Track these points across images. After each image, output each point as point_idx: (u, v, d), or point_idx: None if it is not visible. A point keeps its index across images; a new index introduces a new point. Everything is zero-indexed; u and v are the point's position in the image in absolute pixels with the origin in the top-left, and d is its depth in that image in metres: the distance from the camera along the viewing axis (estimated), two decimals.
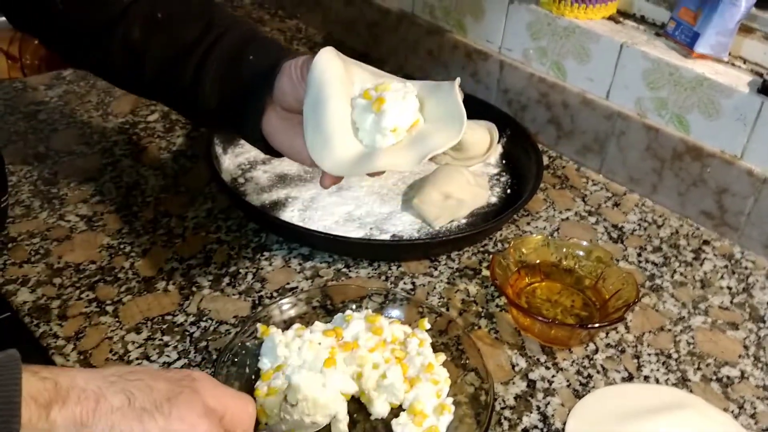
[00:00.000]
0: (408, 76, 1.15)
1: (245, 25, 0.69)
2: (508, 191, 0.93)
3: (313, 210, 0.86)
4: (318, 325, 0.65)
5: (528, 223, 0.89)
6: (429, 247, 0.81)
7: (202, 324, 0.70)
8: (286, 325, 0.68)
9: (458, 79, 0.62)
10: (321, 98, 0.59)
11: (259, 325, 0.65)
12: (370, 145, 0.59)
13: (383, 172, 0.61)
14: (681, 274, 0.83)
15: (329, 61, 0.60)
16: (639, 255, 0.85)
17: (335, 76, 0.60)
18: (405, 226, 0.86)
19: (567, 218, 0.90)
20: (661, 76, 0.89)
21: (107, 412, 0.43)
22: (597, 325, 0.69)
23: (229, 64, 0.65)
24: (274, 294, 0.75)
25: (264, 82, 0.63)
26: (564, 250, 0.78)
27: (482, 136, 0.98)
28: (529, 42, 1.01)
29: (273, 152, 0.68)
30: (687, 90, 0.87)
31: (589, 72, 0.96)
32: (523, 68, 1.03)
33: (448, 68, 1.13)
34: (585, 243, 0.78)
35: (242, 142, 0.97)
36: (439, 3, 1.10)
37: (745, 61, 0.90)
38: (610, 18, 0.97)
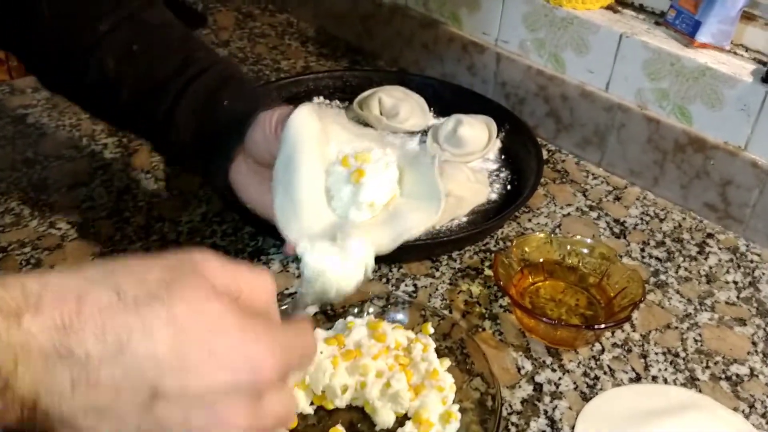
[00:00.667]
0: (403, 70, 1.13)
1: (224, 65, 0.66)
2: (508, 187, 0.92)
3: None
4: (319, 333, 0.64)
5: (529, 220, 0.87)
6: (430, 248, 0.79)
7: None
8: None
9: (438, 156, 0.58)
10: (294, 160, 0.55)
11: None
12: (343, 216, 0.56)
13: None
14: (685, 269, 0.82)
15: (306, 120, 0.56)
16: (642, 250, 0.84)
17: (311, 137, 0.56)
18: None
19: (568, 214, 0.89)
20: (662, 66, 0.87)
21: (94, 312, 0.33)
22: (603, 325, 0.68)
23: (204, 106, 0.62)
24: None
25: (236, 131, 0.60)
26: (567, 247, 0.77)
27: (480, 131, 0.97)
28: (526, 33, 0.99)
29: (234, 206, 0.64)
30: (689, 80, 0.86)
31: (588, 63, 0.94)
32: (520, 60, 1.01)
33: (444, 61, 1.11)
34: (588, 240, 0.76)
35: None
36: None
37: (747, 50, 0.88)
38: (609, 7, 0.95)
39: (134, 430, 0.33)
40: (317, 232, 0.54)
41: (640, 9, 0.96)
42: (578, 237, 0.78)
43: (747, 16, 0.87)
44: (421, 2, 1.11)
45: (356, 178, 0.55)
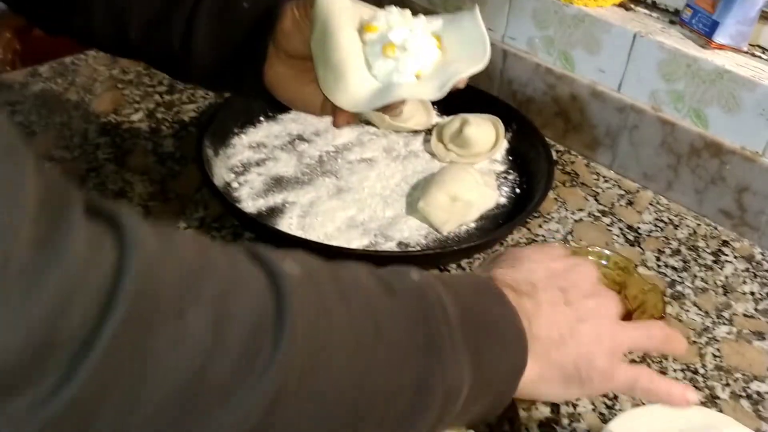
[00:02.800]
0: None
1: None
2: (517, 190, 0.89)
3: (313, 216, 0.81)
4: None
5: (540, 226, 0.84)
6: (439, 257, 0.76)
7: None
8: None
9: (477, 7, 0.60)
10: (329, 31, 0.56)
11: None
12: (386, 82, 0.57)
13: (402, 106, 0.59)
14: (702, 279, 0.79)
15: None
16: (658, 259, 0.81)
17: (342, 8, 0.57)
18: (411, 231, 0.81)
19: (580, 219, 0.86)
20: (678, 67, 0.84)
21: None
22: None
23: (222, 13, 0.59)
24: None
25: (263, 27, 0.58)
26: (582, 254, 0.74)
27: (487, 131, 0.93)
28: (535, 31, 0.96)
29: (276, 105, 0.64)
30: (705, 83, 0.83)
31: (599, 63, 0.91)
32: (528, 58, 0.98)
33: None
34: (606, 251, 0.73)
35: (234, 142, 0.91)
36: None
37: (765, 51, 0.85)
38: (621, 5, 0.92)
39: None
40: (363, 96, 0.56)
41: (654, 6, 0.92)
42: (593, 247, 0.75)
43: (766, 16, 0.84)
44: None
45: (388, 52, 0.56)
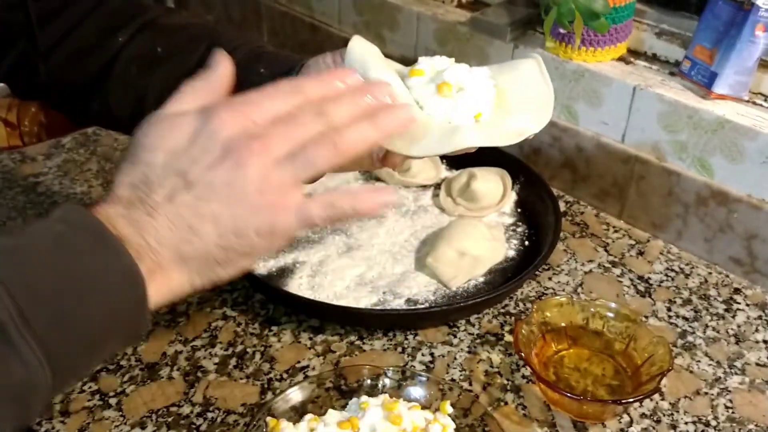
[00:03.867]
0: None
1: (252, 42, 0.64)
2: (526, 243, 0.89)
3: (323, 275, 0.83)
4: (332, 415, 0.61)
5: (549, 278, 0.85)
6: (446, 314, 0.77)
7: (209, 415, 0.66)
8: (298, 412, 0.63)
9: (539, 57, 0.57)
10: (369, 76, 0.51)
11: (268, 419, 0.61)
12: (445, 121, 0.53)
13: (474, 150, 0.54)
14: (713, 328, 0.78)
15: (365, 42, 0.55)
16: (668, 309, 0.81)
17: (376, 53, 0.55)
18: (420, 287, 0.82)
19: (590, 271, 0.86)
20: (679, 118, 0.85)
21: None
22: (631, 399, 0.65)
23: (241, 85, 0.60)
24: (284, 375, 0.71)
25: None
26: (591, 310, 0.74)
27: (494, 185, 0.95)
28: None
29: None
30: (707, 133, 0.83)
31: (602, 115, 0.93)
32: None
33: None
34: (612, 304, 0.73)
35: None
36: (442, 49, 1.07)
37: (766, 98, 0.86)
38: (621, 58, 0.94)
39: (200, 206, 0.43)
40: (427, 140, 0.51)
41: (654, 59, 0.94)
42: (601, 300, 0.75)
43: (765, 65, 0.85)
44: (430, 54, 1.09)
45: (444, 91, 0.52)
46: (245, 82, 0.59)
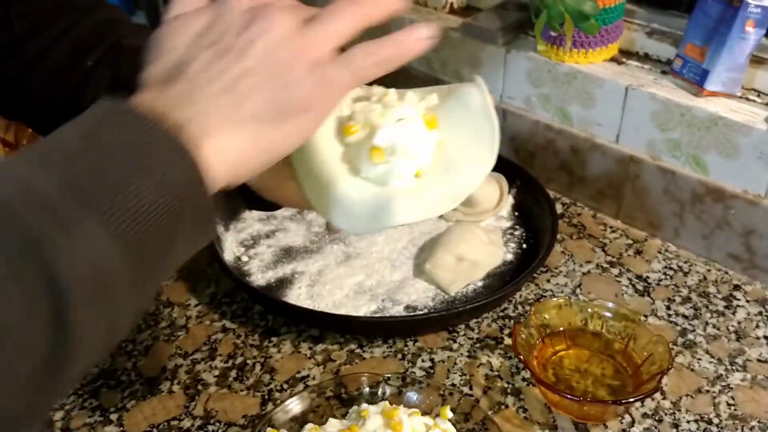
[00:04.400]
0: None
1: None
2: (524, 246, 0.89)
3: (321, 285, 0.83)
4: (332, 424, 0.61)
5: (548, 281, 0.85)
6: (445, 319, 0.77)
7: (210, 428, 0.66)
8: (299, 423, 0.63)
9: (479, 78, 0.48)
10: None
11: (269, 430, 0.61)
12: (383, 184, 0.46)
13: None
14: (714, 326, 0.78)
15: None
16: (668, 308, 0.81)
17: None
18: (419, 294, 0.82)
19: (588, 272, 0.86)
20: (672, 117, 0.85)
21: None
22: (631, 399, 0.64)
23: None
24: (284, 386, 0.71)
25: None
26: (589, 310, 0.74)
27: (492, 189, 0.95)
28: (531, 89, 0.98)
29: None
30: (701, 130, 0.84)
31: (595, 116, 0.93)
32: (527, 116, 1.00)
33: None
34: (609, 304, 0.73)
35: (244, 216, 0.94)
36: (436, 55, 1.08)
37: (759, 94, 0.86)
38: (613, 59, 0.94)
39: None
40: (360, 212, 0.46)
41: (646, 58, 0.94)
42: (598, 300, 0.75)
43: (757, 60, 0.86)
44: (424, 62, 1.10)
45: (376, 158, 0.46)
46: None
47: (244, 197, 0.58)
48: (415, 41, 0.44)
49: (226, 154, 0.40)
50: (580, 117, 0.94)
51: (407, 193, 0.46)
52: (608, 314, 0.73)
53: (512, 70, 0.99)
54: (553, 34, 0.92)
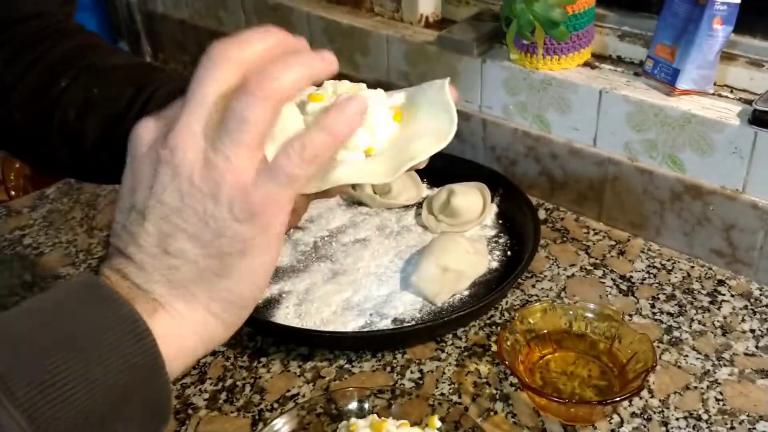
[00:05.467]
0: None
1: (180, 80, 0.62)
2: (509, 253, 0.90)
3: (309, 303, 0.83)
4: None
5: (533, 286, 0.85)
6: (432, 330, 0.78)
7: None
8: None
9: (447, 78, 0.50)
10: None
11: None
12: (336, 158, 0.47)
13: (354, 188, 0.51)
14: (699, 322, 0.79)
15: None
16: (652, 306, 0.81)
17: None
18: (406, 307, 0.82)
19: (572, 275, 0.87)
20: (646, 117, 0.86)
21: None
22: (617, 398, 0.65)
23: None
24: (275, 405, 0.71)
25: None
26: (572, 313, 0.74)
27: (474, 199, 0.96)
28: (508, 98, 0.99)
29: None
30: (675, 129, 0.85)
31: (572, 121, 0.94)
32: (506, 124, 1.01)
33: None
34: (591, 305, 0.74)
35: None
36: (413, 69, 1.09)
37: (732, 90, 0.87)
38: (586, 64, 0.95)
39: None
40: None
41: (619, 61, 0.95)
42: (581, 302, 0.75)
43: (728, 57, 0.87)
44: (402, 77, 1.11)
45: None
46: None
47: None
48: (351, 118, 0.40)
49: (186, 322, 0.39)
50: (558, 123, 0.95)
51: (353, 163, 0.46)
52: (591, 315, 0.73)
53: (489, 79, 1.00)
54: (525, 42, 0.93)
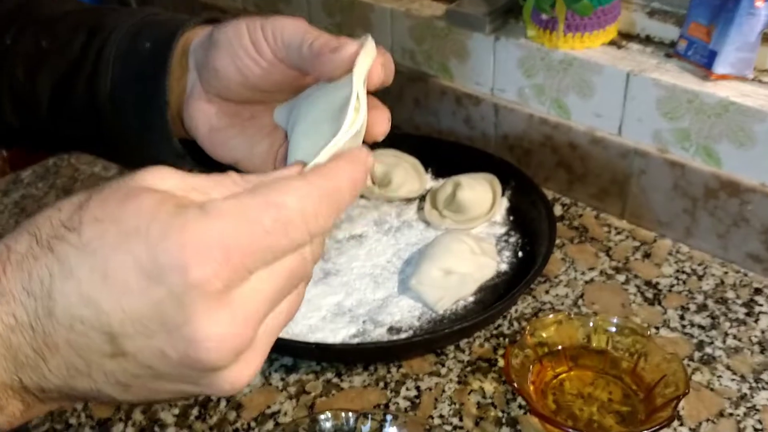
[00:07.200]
0: (395, 126, 1.04)
1: (139, 16, 0.52)
2: (520, 254, 0.81)
3: None
4: None
5: (546, 291, 0.77)
6: (431, 342, 0.69)
7: None
8: None
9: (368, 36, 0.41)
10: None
11: None
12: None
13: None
14: (734, 336, 0.70)
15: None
16: (681, 318, 0.72)
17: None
18: (403, 313, 0.74)
19: (591, 280, 0.78)
20: (679, 104, 0.77)
21: (17, 263, 0.29)
22: (644, 430, 0.56)
23: (123, 66, 0.49)
24: (252, 424, 0.63)
25: (161, 61, 0.46)
26: (591, 324, 0.66)
27: (482, 193, 0.87)
28: (524, 80, 0.90)
29: (208, 163, 0.49)
30: (711, 117, 0.75)
31: (595, 107, 0.84)
32: (520, 109, 0.91)
33: (438, 115, 1.02)
34: (615, 319, 0.65)
35: None
36: (419, 47, 1.00)
37: None
38: (611, 43, 0.86)
39: (122, 375, 0.30)
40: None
41: (647, 41, 0.86)
42: (602, 314, 0.67)
43: None
44: (407, 55, 1.02)
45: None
46: (127, 59, 0.49)
47: (190, 153, 0.50)
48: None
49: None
50: (579, 108, 0.86)
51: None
52: (613, 329, 0.65)
53: (502, 59, 0.90)
54: (543, 17, 0.83)
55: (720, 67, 0.76)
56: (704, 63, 0.77)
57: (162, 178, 0.31)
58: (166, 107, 0.48)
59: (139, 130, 0.51)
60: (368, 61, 0.41)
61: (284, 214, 0.30)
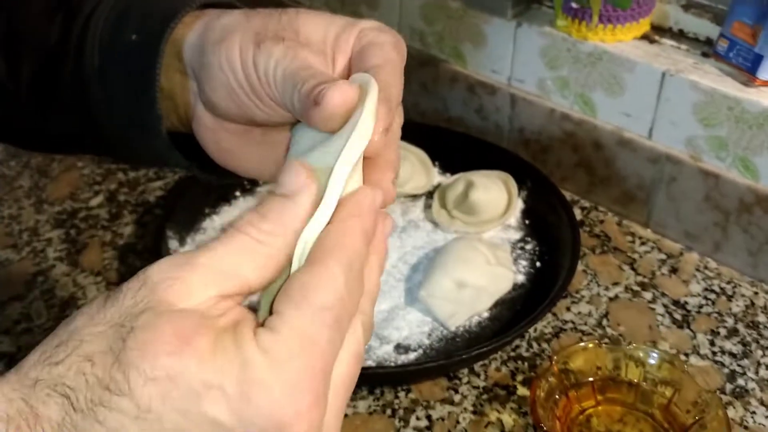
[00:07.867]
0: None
1: None
2: (538, 264, 0.75)
3: None
4: None
5: (568, 308, 0.71)
6: (445, 367, 0.63)
7: None
8: None
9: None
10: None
11: None
12: None
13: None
14: (767, 366, 0.65)
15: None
16: (711, 344, 0.67)
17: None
18: (412, 328, 0.68)
19: (616, 296, 0.72)
20: (717, 110, 0.71)
21: None
22: None
23: (106, 54, 0.43)
24: None
25: (150, 59, 0.40)
26: (623, 353, 0.60)
27: (497, 193, 0.80)
28: (546, 71, 0.83)
29: (213, 171, 0.45)
30: (752, 127, 0.69)
31: (624, 106, 0.78)
32: (540, 102, 0.85)
33: (447, 103, 0.94)
34: (654, 352, 0.59)
35: (204, 226, 0.80)
36: (429, 28, 0.92)
37: None
38: (644, 37, 0.79)
39: None
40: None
41: (681, 36, 0.79)
42: (634, 344, 0.61)
43: None
44: (416, 37, 0.94)
45: None
46: (112, 52, 0.43)
47: (197, 161, 0.44)
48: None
49: None
50: (606, 106, 0.79)
51: None
52: (650, 361, 0.59)
53: (523, 47, 0.83)
54: (574, 5, 0.76)
55: (765, 73, 0.69)
56: (747, 67, 0.70)
57: (189, 293, 0.27)
58: (155, 102, 0.41)
59: (127, 126, 0.44)
60: (373, 98, 0.34)
61: (331, 315, 0.28)
